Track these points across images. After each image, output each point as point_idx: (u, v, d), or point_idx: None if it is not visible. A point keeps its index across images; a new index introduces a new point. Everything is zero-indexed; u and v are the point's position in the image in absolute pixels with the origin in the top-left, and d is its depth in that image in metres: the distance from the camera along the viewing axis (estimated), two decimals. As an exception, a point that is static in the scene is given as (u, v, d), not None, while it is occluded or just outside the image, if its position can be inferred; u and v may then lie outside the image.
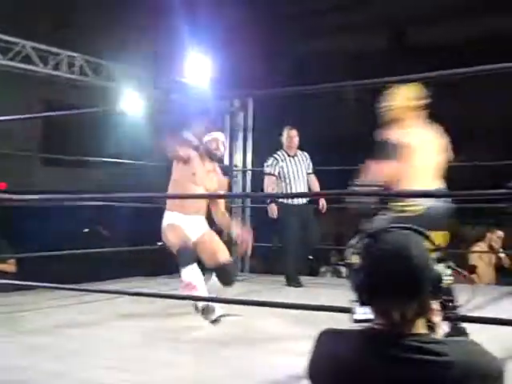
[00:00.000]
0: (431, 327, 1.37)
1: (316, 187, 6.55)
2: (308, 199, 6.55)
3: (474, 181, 3.95)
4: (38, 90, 9.70)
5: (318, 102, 10.69)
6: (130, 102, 6.05)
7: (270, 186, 6.44)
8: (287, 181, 6.42)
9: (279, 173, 6.44)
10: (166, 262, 6.34)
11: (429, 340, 1.32)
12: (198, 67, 7.23)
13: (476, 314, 3.09)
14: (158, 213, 4.78)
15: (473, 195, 3.57)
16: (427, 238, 1.41)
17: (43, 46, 6.07)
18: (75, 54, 6.37)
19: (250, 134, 8.02)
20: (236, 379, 3.21)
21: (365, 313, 1.41)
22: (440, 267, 1.37)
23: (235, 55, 8.40)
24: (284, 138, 6.55)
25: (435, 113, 3.76)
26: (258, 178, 7.09)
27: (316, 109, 11.26)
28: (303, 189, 6.43)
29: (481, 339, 1.40)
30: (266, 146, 7.22)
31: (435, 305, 1.37)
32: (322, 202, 6.48)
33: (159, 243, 5.15)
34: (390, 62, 8.68)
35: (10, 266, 6.26)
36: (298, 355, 1.84)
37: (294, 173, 6.44)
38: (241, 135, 8.00)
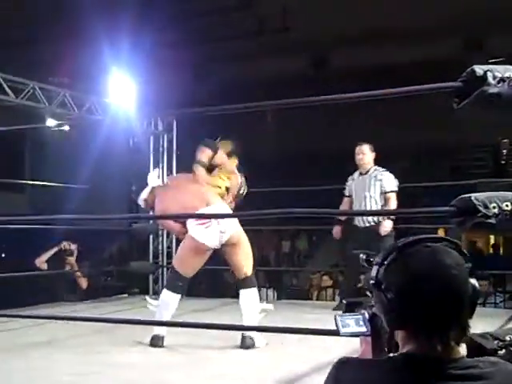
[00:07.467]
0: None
1: (389, 207, 5.97)
2: (375, 221, 5.94)
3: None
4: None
5: (241, 126, 10.83)
6: (54, 123, 5.91)
7: (341, 207, 6.19)
8: (355, 199, 6.06)
9: (349, 192, 6.16)
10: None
11: (468, 364, 1.22)
12: (123, 89, 7.18)
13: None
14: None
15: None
16: (459, 248, 1.30)
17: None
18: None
19: (174, 156, 7.99)
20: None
21: (349, 325, 1.35)
22: (473, 281, 1.26)
23: (160, 79, 8.39)
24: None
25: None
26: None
27: (239, 133, 11.38)
28: (369, 209, 5.97)
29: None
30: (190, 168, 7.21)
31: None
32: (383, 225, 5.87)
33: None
34: (312, 86, 8.91)
35: None
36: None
37: (358, 191, 6.05)
38: (165, 157, 7.97)
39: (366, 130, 10.63)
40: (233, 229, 4.51)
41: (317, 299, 8.29)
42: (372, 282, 1.30)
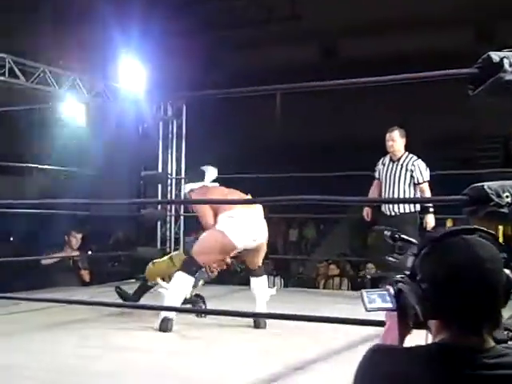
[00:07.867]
0: None
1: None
2: (400, 212, 5.79)
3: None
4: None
5: (248, 113, 10.82)
6: (66, 107, 5.89)
7: (371, 189, 6.05)
8: (383, 186, 5.93)
9: (379, 175, 6.02)
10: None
11: (500, 353, 1.23)
12: (133, 73, 7.16)
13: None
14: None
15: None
16: (494, 239, 1.30)
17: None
18: (4, 55, 6.13)
19: (183, 141, 7.97)
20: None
21: (375, 300, 1.35)
22: (507, 271, 1.27)
23: (170, 66, 8.37)
24: None
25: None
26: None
27: (245, 120, 11.38)
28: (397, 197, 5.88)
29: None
30: (199, 153, 7.21)
31: None
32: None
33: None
34: (321, 74, 8.86)
35: None
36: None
37: (387, 179, 5.90)
38: (174, 143, 7.95)
39: (374, 117, 10.61)
40: (263, 238, 4.60)
41: (323, 288, 8.25)
42: (407, 272, 1.31)
